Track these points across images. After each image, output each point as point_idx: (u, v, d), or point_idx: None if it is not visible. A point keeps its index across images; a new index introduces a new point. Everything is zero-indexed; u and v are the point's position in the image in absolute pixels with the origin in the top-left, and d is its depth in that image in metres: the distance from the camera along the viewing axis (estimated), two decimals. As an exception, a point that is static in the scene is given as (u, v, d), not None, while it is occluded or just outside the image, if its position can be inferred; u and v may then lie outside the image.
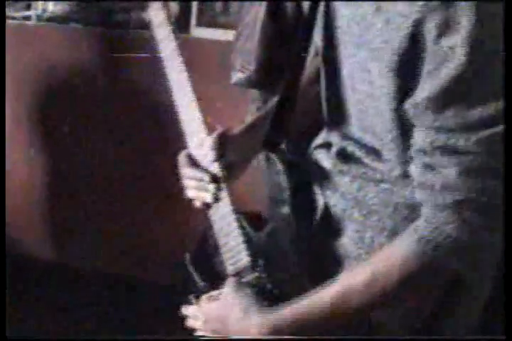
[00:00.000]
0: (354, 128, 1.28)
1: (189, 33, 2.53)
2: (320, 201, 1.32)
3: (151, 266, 2.77)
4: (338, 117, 1.31)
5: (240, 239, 1.35)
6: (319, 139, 1.40)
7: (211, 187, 1.39)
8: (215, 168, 1.39)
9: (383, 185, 1.25)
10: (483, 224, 1.14)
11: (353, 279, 1.20)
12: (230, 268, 1.37)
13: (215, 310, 1.33)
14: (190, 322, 1.38)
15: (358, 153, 1.27)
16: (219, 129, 1.41)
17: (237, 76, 1.98)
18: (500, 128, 1.11)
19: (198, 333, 1.38)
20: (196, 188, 1.42)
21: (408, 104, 1.15)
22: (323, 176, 1.33)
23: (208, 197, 1.40)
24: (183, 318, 1.40)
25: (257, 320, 1.25)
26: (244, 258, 1.34)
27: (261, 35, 1.91)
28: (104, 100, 2.70)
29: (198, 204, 1.44)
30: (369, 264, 1.21)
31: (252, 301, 1.29)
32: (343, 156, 1.30)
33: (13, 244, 2.91)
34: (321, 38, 1.31)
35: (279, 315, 1.24)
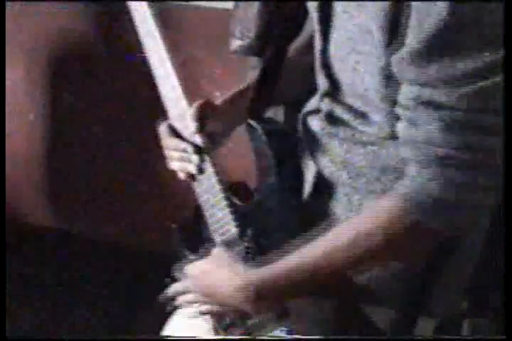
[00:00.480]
0: (345, 94, 1.28)
1: (188, 1, 2.51)
2: (312, 168, 1.32)
3: (151, 233, 2.78)
4: (330, 83, 1.30)
5: (227, 209, 1.35)
6: (310, 106, 1.40)
7: (195, 158, 1.39)
8: (198, 139, 1.39)
9: (370, 147, 1.25)
10: (467, 182, 1.12)
11: (335, 239, 1.20)
12: (218, 240, 1.38)
13: (201, 270, 1.33)
14: (178, 299, 1.39)
15: (346, 116, 1.28)
16: (200, 100, 1.40)
17: (236, 44, 1.97)
18: (485, 83, 1.08)
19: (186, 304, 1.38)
20: (179, 159, 1.42)
21: (394, 60, 1.14)
22: (313, 140, 1.32)
23: (192, 169, 1.39)
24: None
25: (241, 282, 1.25)
26: (232, 229, 1.35)
27: (261, 2, 1.89)
28: (106, 67, 2.69)
29: (182, 175, 1.43)
30: (353, 223, 1.20)
31: (238, 264, 1.29)
32: (332, 119, 1.30)
33: (13, 209, 2.92)
34: (318, 4, 1.29)
35: (262, 274, 1.24)
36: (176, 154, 1.42)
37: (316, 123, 1.34)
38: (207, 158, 1.39)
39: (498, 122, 1.11)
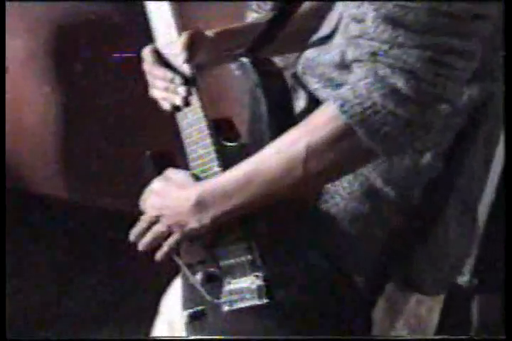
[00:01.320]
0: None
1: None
2: (302, 104, 1.28)
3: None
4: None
5: (212, 147, 1.31)
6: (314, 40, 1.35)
7: (182, 89, 1.33)
8: (187, 70, 1.33)
9: None
10: (397, 85, 1.06)
11: (268, 149, 1.19)
12: (199, 176, 1.33)
13: (153, 189, 1.34)
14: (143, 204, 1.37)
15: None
16: (192, 29, 1.34)
17: (252, 16, 1.96)
18: None
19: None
20: (165, 89, 1.36)
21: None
22: (319, 72, 1.27)
23: (178, 100, 1.34)
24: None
25: (188, 192, 1.26)
26: (214, 168, 1.31)
27: None
28: (119, 38, 2.68)
29: (165, 106, 1.38)
30: (281, 137, 1.18)
31: (189, 177, 1.30)
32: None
33: (26, 179, 2.93)
34: None
35: (206, 184, 1.25)
36: (161, 83, 1.37)
37: (324, 56, 1.28)
38: (194, 90, 1.33)
39: (437, 22, 1.05)
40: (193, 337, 1.41)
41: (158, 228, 1.32)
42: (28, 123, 2.87)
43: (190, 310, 1.37)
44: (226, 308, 1.30)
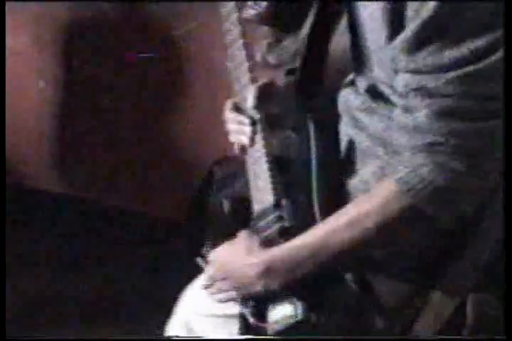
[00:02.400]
0: (377, 73, 1.28)
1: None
2: (344, 140, 1.34)
3: (158, 199, 2.79)
4: (362, 63, 1.31)
5: (269, 180, 1.40)
6: (348, 83, 1.40)
7: (247, 129, 1.44)
8: (253, 112, 1.44)
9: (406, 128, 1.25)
10: (457, 168, 1.15)
11: (336, 219, 1.25)
12: (256, 208, 1.42)
13: (224, 251, 1.39)
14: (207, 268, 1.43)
15: (387, 90, 1.28)
16: (264, 80, 1.46)
17: (248, 12, 1.96)
18: (470, 68, 1.11)
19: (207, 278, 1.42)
20: (236, 132, 1.47)
21: (389, 49, 1.17)
22: (348, 114, 1.34)
23: (245, 140, 1.45)
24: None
25: (255, 259, 1.31)
26: (269, 198, 1.39)
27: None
28: (116, 33, 2.68)
29: (237, 149, 1.49)
30: (352, 205, 1.25)
31: (256, 242, 1.35)
32: (372, 93, 1.31)
33: (22, 175, 2.93)
34: None
35: (273, 253, 1.30)
36: (233, 126, 1.48)
37: (354, 97, 1.35)
38: (259, 131, 1.44)
39: (483, 108, 1.13)
40: (194, 337, 1.48)
41: (223, 286, 1.38)
42: (23, 118, 2.87)
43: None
44: (270, 331, 1.35)
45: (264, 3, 1.92)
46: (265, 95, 1.45)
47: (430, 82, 1.13)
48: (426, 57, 1.12)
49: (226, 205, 1.52)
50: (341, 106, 1.37)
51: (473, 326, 1.36)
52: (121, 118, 2.78)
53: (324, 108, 1.39)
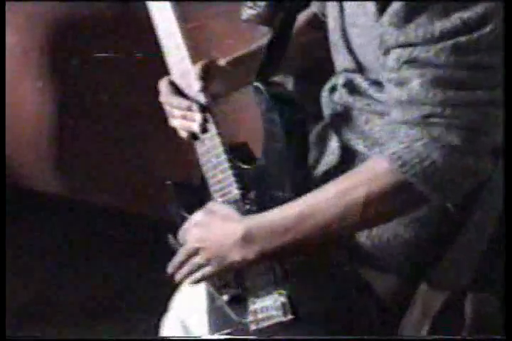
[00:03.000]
0: (352, 64, 1.29)
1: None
2: (334, 140, 1.32)
3: (153, 200, 2.78)
4: (342, 59, 1.31)
5: (230, 171, 1.34)
6: (329, 84, 1.40)
7: (198, 116, 1.36)
8: (202, 98, 1.37)
9: (387, 117, 1.23)
10: (453, 143, 1.12)
11: (321, 192, 1.21)
12: (218, 200, 1.37)
13: (196, 222, 1.32)
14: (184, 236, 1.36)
15: (363, 84, 1.28)
16: (204, 60, 1.38)
17: (247, 12, 1.97)
18: (462, 38, 1.09)
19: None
20: (182, 117, 1.39)
21: (381, 24, 1.15)
22: (335, 113, 1.33)
23: (196, 127, 1.37)
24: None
25: (234, 226, 1.26)
26: (234, 191, 1.34)
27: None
28: (115, 33, 2.68)
29: (183, 134, 1.41)
30: (339, 180, 1.20)
31: (232, 211, 1.30)
32: (350, 88, 1.30)
33: (19, 176, 2.92)
34: None
35: (253, 221, 1.25)
36: (178, 112, 1.40)
37: (334, 93, 1.35)
38: (210, 117, 1.36)
39: (478, 78, 1.11)
40: (192, 337, 1.44)
41: (197, 260, 1.31)
42: (21, 118, 2.86)
43: (218, 333, 1.38)
44: (253, 327, 1.32)
45: (263, 4, 1.92)
46: (210, 76, 1.37)
47: (422, 52, 1.11)
48: (416, 29, 1.10)
49: (171, 189, 1.47)
50: (323, 98, 1.35)
51: (472, 326, 1.36)
52: (119, 118, 2.77)
53: (288, 96, 1.33)
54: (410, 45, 1.12)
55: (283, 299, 1.27)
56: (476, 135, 1.12)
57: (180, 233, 1.34)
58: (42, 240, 2.72)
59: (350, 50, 1.29)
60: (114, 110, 2.76)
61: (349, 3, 1.25)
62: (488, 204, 1.29)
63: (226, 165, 1.35)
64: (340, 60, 1.34)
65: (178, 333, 1.53)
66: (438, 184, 1.14)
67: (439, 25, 1.10)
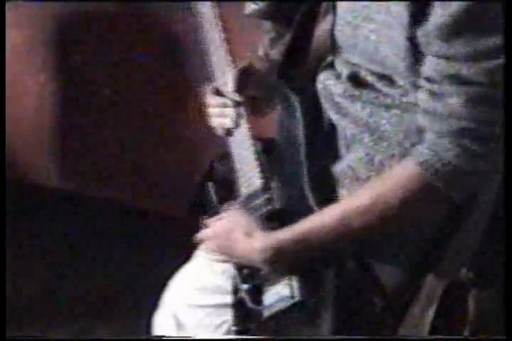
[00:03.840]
0: (360, 58, 1.28)
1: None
2: (329, 125, 1.33)
3: (158, 197, 2.79)
4: (343, 47, 1.30)
5: (255, 163, 1.39)
6: (327, 67, 1.39)
7: (231, 111, 1.44)
8: (236, 95, 1.44)
9: (394, 111, 1.26)
10: (482, 153, 1.18)
11: (354, 201, 1.24)
12: (243, 191, 1.41)
13: (221, 227, 1.36)
14: (204, 244, 1.41)
15: (370, 78, 1.28)
16: (242, 63, 1.46)
17: (250, 7, 1.96)
18: (503, 59, 1.13)
19: (207, 252, 1.40)
20: (218, 115, 1.47)
21: (420, 32, 1.16)
22: (333, 102, 1.33)
23: (228, 123, 1.44)
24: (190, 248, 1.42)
25: (260, 244, 1.28)
26: (256, 181, 1.38)
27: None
28: (117, 28, 2.68)
29: (220, 131, 1.48)
30: (371, 187, 1.24)
31: (255, 225, 1.32)
32: (355, 81, 1.30)
33: (23, 171, 2.92)
34: None
35: (281, 236, 1.27)
36: (215, 110, 1.47)
37: (335, 85, 1.34)
38: (243, 113, 1.44)
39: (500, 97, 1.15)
40: (191, 337, 1.45)
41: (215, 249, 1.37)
42: (23, 112, 2.86)
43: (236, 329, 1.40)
44: (267, 313, 1.33)
45: (266, -1, 1.91)
46: (245, 78, 1.45)
47: (467, 70, 1.14)
48: (463, 45, 1.13)
49: (211, 189, 1.51)
50: (321, 90, 1.35)
51: (475, 323, 1.36)
52: (121, 113, 2.77)
53: (308, 91, 1.37)
54: (454, 59, 1.15)
55: (292, 283, 1.29)
56: (499, 145, 1.19)
57: (202, 236, 1.39)
58: (42, 235, 2.72)
59: (359, 44, 1.28)
60: (117, 105, 2.77)
61: None
62: (483, 200, 1.33)
63: (251, 157, 1.40)
64: (345, 51, 1.33)
65: (171, 327, 1.53)
66: (466, 190, 1.22)
67: (483, 44, 1.13)
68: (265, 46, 1.73)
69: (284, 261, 1.27)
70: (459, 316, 1.36)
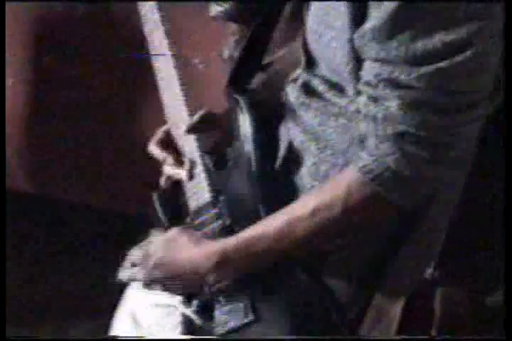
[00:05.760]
0: (321, 67, 1.28)
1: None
2: (284, 138, 1.33)
3: (132, 198, 2.78)
4: (306, 56, 1.31)
5: (202, 175, 1.37)
6: (292, 76, 1.39)
7: (184, 174, 1.41)
8: (193, 149, 1.41)
9: (341, 120, 1.25)
10: (423, 158, 1.15)
11: (297, 209, 1.23)
12: (192, 205, 1.38)
13: (160, 243, 1.33)
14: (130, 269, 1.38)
15: (321, 87, 1.28)
16: (200, 112, 1.41)
17: (216, 9, 1.96)
18: (445, 63, 1.10)
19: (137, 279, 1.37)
20: (170, 168, 1.44)
21: (356, 34, 1.15)
22: (289, 110, 1.33)
23: (183, 176, 1.41)
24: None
25: (205, 249, 1.27)
26: (205, 195, 1.36)
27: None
28: (87, 30, 2.67)
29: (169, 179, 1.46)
30: (314, 195, 1.23)
31: (200, 234, 1.32)
32: (307, 89, 1.30)
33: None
34: None
35: (225, 242, 1.26)
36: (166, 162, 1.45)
37: (291, 93, 1.34)
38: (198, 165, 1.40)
39: (454, 102, 1.13)
40: (190, 337, 1.43)
41: (156, 275, 1.33)
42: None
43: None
44: (219, 332, 1.32)
45: (231, 1, 1.91)
46: (203, 124, 1.42)
47: (402, 74, 1.12)
48: (397, 47, 1.11)
49: (157, 200, 1.49)
50: (284, 103, 1.35)
51: (441, 322, 1.37)
52: (93, 116, 2.76)
53: (264, 104, 1.37)
54: (390, 62, 1.13)
55: (244, 301, 1.28)
56: (446, 151, 1.16)
57: (145, 255, 1.35)
58: (16, 240, 2.71)
59: (316, 51, 1.28)
60: (91, 106, 2.75)
61: (324, 3, 1.23)
62: (442, 201, 1.31)
63: (199, 170, 1.38)
64: (301, 59, 1.33)
65: (128, 325, 1.53)
66: (409, 195, 1.19)
67: (421, 47, 1.10)
68: (230, 48, 1.73)
69: (229, 268, 1.26)
70: (425, 315, 1.37)
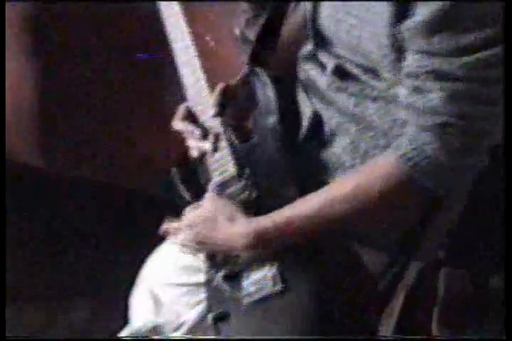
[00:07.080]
0: (344, 51, 1.30)
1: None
2: (307, 112, 1.34)
3: (139, 176, 2.79)
4: (326, 40, 1.32)
5: (227, 149, 1.39)
6: (309, 58, 1.40)
7: (209, 145, 1.44)
8: (216, 125, 1.43)
9: (380, 102, 1.29)
10: (461, 147, 1.20)
11: (336, 191, 1.26)
12: (216, 179, 1.41)
13: (199, 217, 1.36)
14: (173, 236, 1.40)
15: (355, 70, 1.31)
16: (220, 85, 1.46)
17: (244, 5, 1.96)
18: (485, 53, 1.15)
19: (180, 246, 1.40)
20: (195, 139, 1.47)
21: (403, 28, 1.19)
22: (317, 92, 1.34)
23: (207, 147, 1.44)
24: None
25: (242, 229, 1.30)
26: (230, 168, 1.38)
27: None
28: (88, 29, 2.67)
29: (194, 153, 1.48)
30: (353, 177, 1.27)
31: (236, 210, 1.32)
32: (340, 73, 1.33)
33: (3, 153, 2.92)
34: None
35: (264, 222, 1.29)
36: (191, 136, 1.47)
37: (320, 78, 1.37)
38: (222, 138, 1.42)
39: (495, 92, 1.18)
40: (189, 337, 1.47)
41: (188, 240, 1.37)
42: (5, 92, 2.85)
43: (214, 313, 1.40)
44: (246, 301, 1.34)
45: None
46: (226, 101, 1.45)
47: (445, 65, 1.16)
48: (441, 41, 1.16)
49: (176, 175, 1.51)
50: (304, 80, 1.37)
51: (445, 300, 1.39)
52: (105, 93, 2.77)
53: (283, 78, 1.40)
54: (433, 55, 1.17)
55: (273, 271, 1.31)
56: (482, 139, 1.21)
57: (183, 223, 1.39)
58: (23, 216, 2.72)
59: (343, 38, 1.31)
60: (99, 84, 2.76)
61: None
62: (462, 188, 1.38)
63: (223, 143, 1.41)
64: (329, 44, 1.36)
65: (148, 304, 1.55)
66: (445, 183, 1.24)
67: (462, 40, 1.15)
68: (241, 26, 1.74)
69: (265, 247, 1.29)
70: (429, 295, 1.38)
